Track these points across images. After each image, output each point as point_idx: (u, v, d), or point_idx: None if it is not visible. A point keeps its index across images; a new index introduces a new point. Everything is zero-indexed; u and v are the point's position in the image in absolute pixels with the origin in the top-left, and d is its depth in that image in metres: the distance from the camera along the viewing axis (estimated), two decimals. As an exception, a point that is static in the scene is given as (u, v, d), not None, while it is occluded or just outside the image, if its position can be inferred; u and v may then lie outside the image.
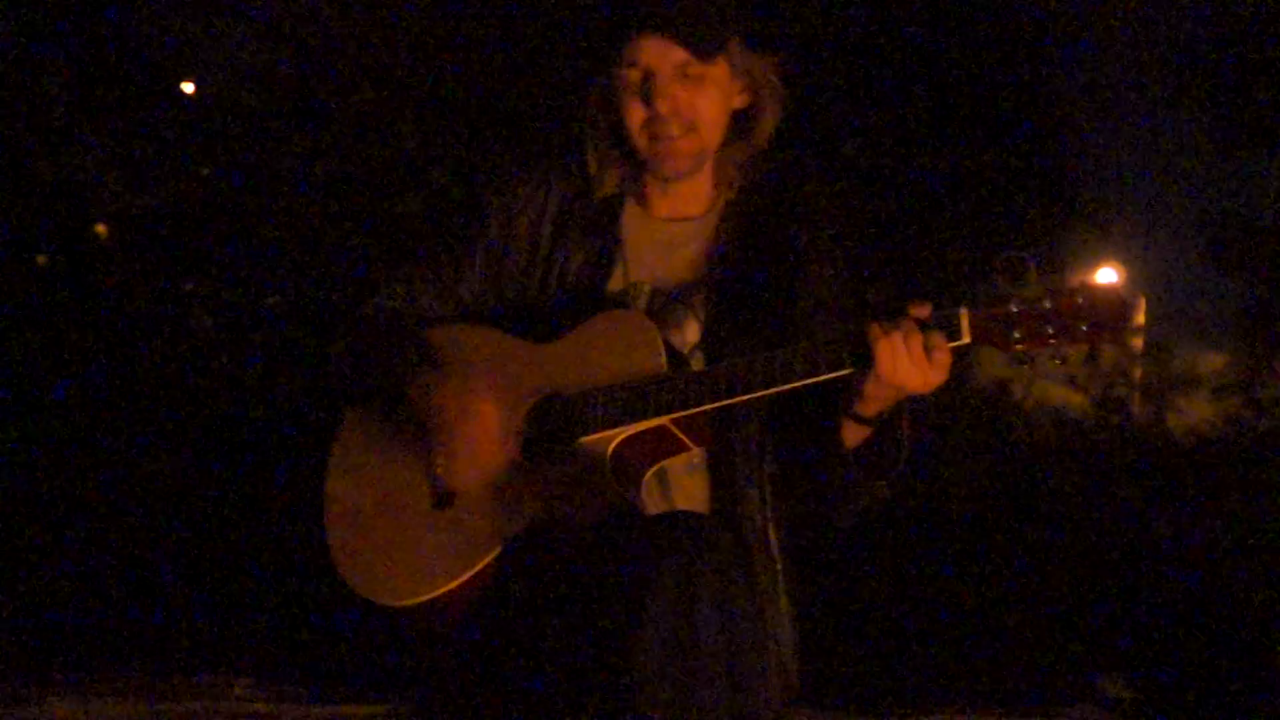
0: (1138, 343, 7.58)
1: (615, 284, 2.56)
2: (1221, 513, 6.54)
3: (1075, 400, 7.52)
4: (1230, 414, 7.43)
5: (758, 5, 2.62)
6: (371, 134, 7.30)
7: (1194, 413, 7.51)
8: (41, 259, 7.37)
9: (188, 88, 7.97)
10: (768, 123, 2.59)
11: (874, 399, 2.29)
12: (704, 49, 2.46)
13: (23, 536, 6.39)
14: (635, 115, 2.51)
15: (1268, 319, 8.20)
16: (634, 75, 2.50)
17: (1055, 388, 7.58)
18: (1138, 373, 7.56)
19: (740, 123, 2.58)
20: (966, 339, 2.20)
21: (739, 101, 2.57)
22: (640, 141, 2.52)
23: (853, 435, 2.36)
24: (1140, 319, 7.80)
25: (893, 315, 2.22)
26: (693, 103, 2.49)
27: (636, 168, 2.59)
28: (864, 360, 2.23)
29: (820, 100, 7.24)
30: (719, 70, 2.51)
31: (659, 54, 2.46)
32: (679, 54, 2.46)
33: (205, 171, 7.40)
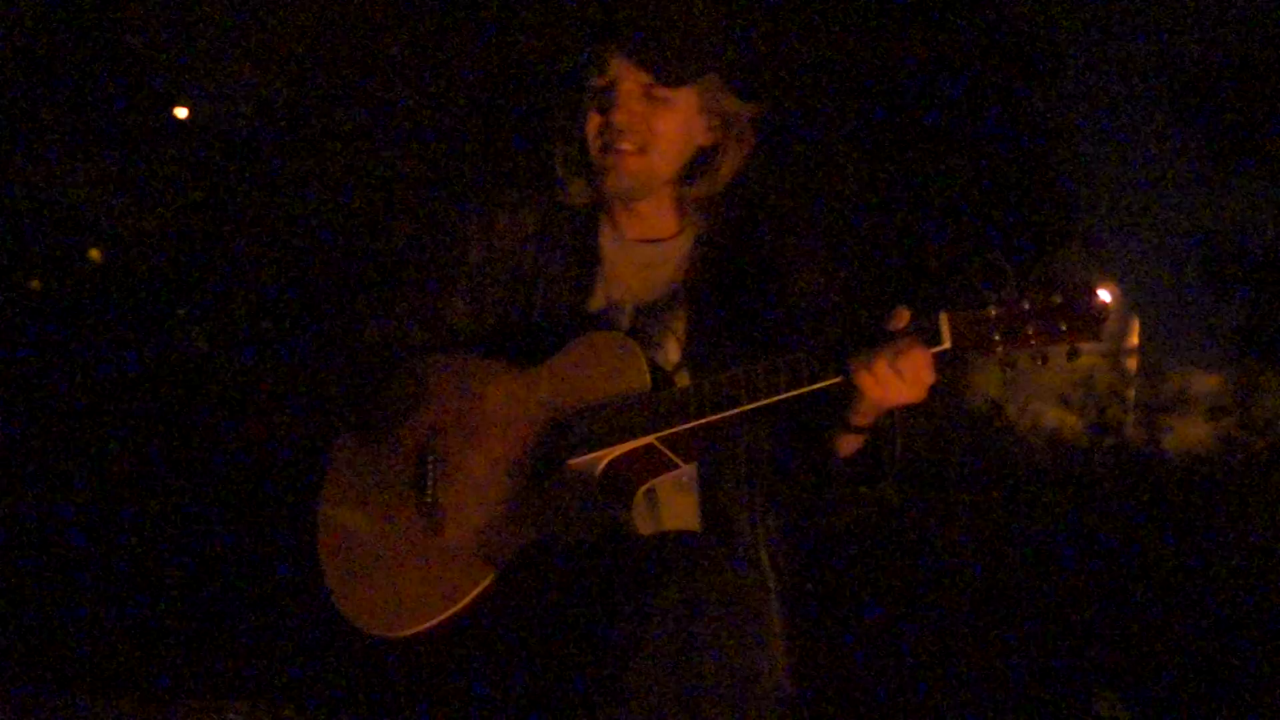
0: (1132, 363, 7.60)
1: (597, 303, 2.56)
2: (1216, 532, 6.54)
3: (1070, 421, 7.53)
4: (1224, 434, 7.44)
5: (747, 43, 2.60)
6: (364, 158, 7.33)
7: (1188, 433, 7.52)
8: (37, 283, 7.38)
9: (181, 113, 7.99)
10: (728, 165, 2.56)
11: (864, 410, 2.29)
12: (669, 77, 2.45)
13: (16, 561, 6.38)
14: (592, 122, 2.50)
15: (1261, 339, 8.23)
16: (600, 82, 2.49)
17: (1050, 409, 7.59)
18: (1132, 393, 7.58)
19: (704, 160, 2.57)
20: (947, 344, 2.19)
21: (705, 138, 2.54)
22: (593, 149, 2.51)
23: (846, 444, 2.36)
24: (1135, 339, 7.82)
25: (871, 339, 2.21)
26: (650, 122, 2.48)
27: (598, 184, 2.58)
28: (847, 371, 2.23)
29: (813, 112, 7.25)
30: (685, 98, 2.49)
31: (625, 70, 2.46)
32: (645, 74, 2.46)
33: (199, 196, 7.42)
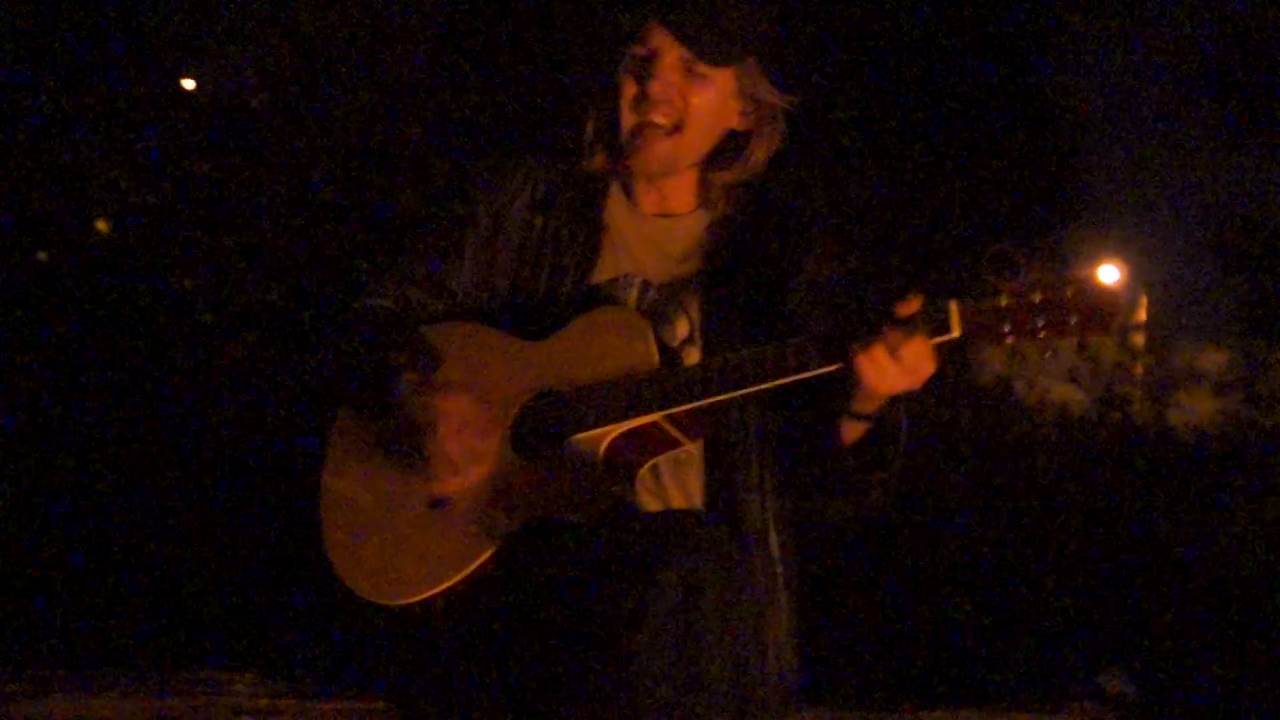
0: (1139, 340, 7.58)
1: (604, 275, 2.55)
2: (1223, 508, 6.55)
3: (1077, 397, 7.52)
4: (1232, 410, 7.44)
5: (785, 31, 2.58)
6: (372, 129, 7.31)
7: (1196, 409, 7.52)
8: (43, 255, 7.38)
9: (189, 84, 7.98)
10: (759, 153, 2.56)
11: (862, 397, 2.29)
12: (711, 56, 2.45)
13: (24, 532, 6.40)
14: (629, 89, 2.49)
15: (1269, 315, 8.22)
16: (640, 51, 2.49)
17: (1057, 385, 7.58)
18: (1139, 369, 7.57)
19: (734, 146, 2.56)
20: (957, 332, 2.19)
21: (738, 122, 2.54)
22: (625, 119, 2.50)
23: (850, 431, 2.35)
24: (1142, 316, 7.80)
25: (875, 323, 2.21)
26: (687, 97, 2.47)
27: (622, 157, 2.57)
28: (849, 356, 2.23)
29: (823, 93, 7.23)
30: (723, 79, 2.48)
31: (668, 44, 2.46)
32: (686, 50, 2.45)
33: (206, 167, 7.41)
